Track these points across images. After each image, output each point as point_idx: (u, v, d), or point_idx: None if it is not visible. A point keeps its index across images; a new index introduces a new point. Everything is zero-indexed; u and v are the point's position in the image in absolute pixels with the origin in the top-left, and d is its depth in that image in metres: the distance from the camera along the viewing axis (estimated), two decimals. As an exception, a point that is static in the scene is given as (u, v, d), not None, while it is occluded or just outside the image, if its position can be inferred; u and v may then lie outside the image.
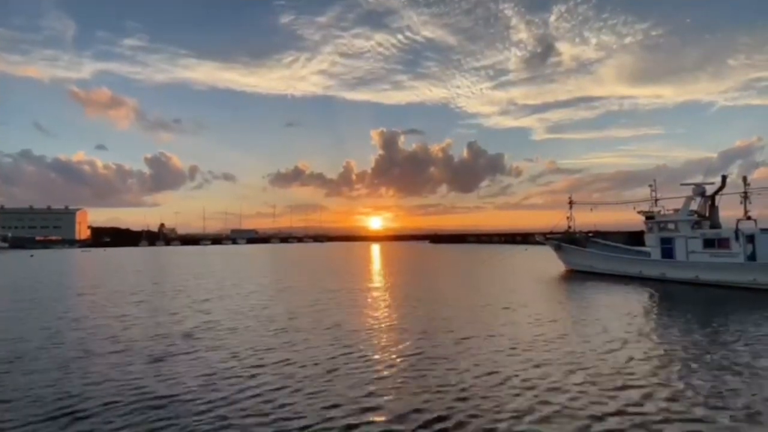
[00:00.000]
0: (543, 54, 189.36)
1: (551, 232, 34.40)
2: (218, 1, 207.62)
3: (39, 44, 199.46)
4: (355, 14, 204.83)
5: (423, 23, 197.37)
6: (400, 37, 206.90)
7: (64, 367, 9.38)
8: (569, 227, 32.47)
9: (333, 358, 9.89)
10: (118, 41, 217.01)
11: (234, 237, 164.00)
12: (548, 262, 35.12)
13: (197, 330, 12.98)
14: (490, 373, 8.66)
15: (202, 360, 9.89)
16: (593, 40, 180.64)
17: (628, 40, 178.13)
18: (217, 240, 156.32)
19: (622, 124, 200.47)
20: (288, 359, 9.83)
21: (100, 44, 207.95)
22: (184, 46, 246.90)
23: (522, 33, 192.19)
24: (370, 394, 7.67)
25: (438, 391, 7.75)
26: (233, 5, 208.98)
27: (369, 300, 18.77)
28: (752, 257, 21.11)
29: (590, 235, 35.32)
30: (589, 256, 29.52)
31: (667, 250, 24.45)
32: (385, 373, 8.88)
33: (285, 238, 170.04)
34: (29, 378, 8.75)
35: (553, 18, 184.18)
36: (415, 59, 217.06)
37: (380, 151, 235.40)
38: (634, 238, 46.69)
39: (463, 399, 7.40)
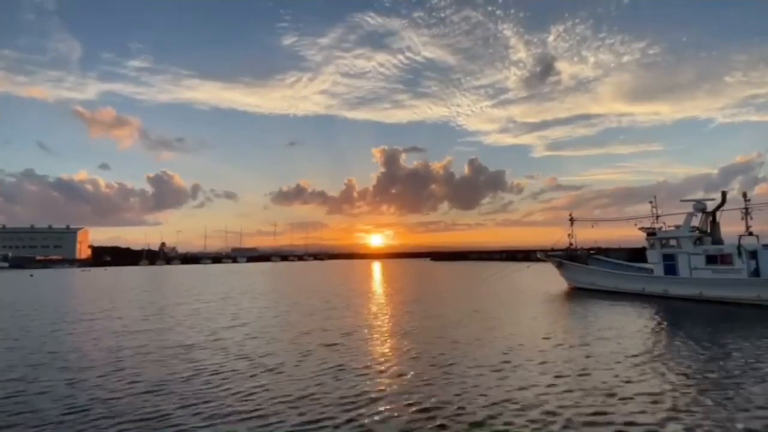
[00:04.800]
0: (542, 73, 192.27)
1: (553, 249, 34.30)
2: (221, 22, 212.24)
3: (44, 65, 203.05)
4: (356, 35, 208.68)
5: (423, 44, 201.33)
6: (400, 57, 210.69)
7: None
8: (571, 244, 32.39)
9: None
10: (123, 62, 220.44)
11: (234, 255, 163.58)
12: (550, 279, 34.91)
13: (229, 369, 10.76)
14: (493, 394, 8.55)
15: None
16: (591, 59, 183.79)
17: (625, 58, 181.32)
18: (217, 258, 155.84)
19: (621, 140, 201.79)
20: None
21: (105, 65, 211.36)
22: (188, 67, 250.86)
23: (521, 52, 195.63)
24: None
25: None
26: (236, 27, 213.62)
27: (397, 325, 17.52)
28: (755, 273, 20.99)
29: (592, 251, 35.19)
30: (592, 273, 29.37)
31: (670, 266, 24.35)
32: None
33: (285, 256, 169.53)
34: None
35: (551, 38, 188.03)
36: (415, 79, 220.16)
37: (381, 169, 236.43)
38: (636, 254, 46.49)
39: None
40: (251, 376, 10.13)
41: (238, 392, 8.97)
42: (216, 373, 10.40)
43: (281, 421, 7.41)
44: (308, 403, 8.23)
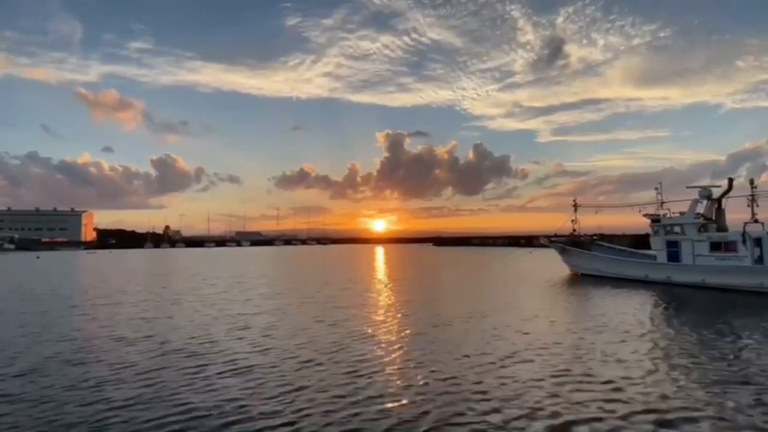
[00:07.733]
0: (550, 56, 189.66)
1: (556, 235, 34.32)
2: (224, 3, 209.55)
3: (46, 46, 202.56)
4: (360, 16, 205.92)
5: (429, 25, 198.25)
6: (405, 39, 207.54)
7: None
8: (574, 230, 32.39)
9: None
10: (125, 44, 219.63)
11: (238, 239, 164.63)
12: (553, 265, 35.00)
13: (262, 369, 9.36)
14: (497, 382, 8.71)
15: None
16: (600, 42, 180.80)
17: (635, 41, 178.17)
18: (221, 242, 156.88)
19: (628, 126, 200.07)
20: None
21: (107, 47, 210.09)
22: (190, 49, 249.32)
23: (529, 35, 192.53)
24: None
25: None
26: (238, 8, 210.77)
27: (421, 317, 16.99)
28: (759, 261, 20.98)
29: (595, 238, 35.18)
30: (594, 259, 29.41)
31: (673, 253, 24.35)
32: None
33: (289, 240, 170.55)
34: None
35: (560, 19, 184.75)
36: (420, 61, 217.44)
37: (385, 154, 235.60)
38: (640, 241, 46.44)
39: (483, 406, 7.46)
40: (283, 374, 9.04)
41: (273, 394, 7.90)
42: (249, 370, 9.32)
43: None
44: (353, 405, 7.36)
